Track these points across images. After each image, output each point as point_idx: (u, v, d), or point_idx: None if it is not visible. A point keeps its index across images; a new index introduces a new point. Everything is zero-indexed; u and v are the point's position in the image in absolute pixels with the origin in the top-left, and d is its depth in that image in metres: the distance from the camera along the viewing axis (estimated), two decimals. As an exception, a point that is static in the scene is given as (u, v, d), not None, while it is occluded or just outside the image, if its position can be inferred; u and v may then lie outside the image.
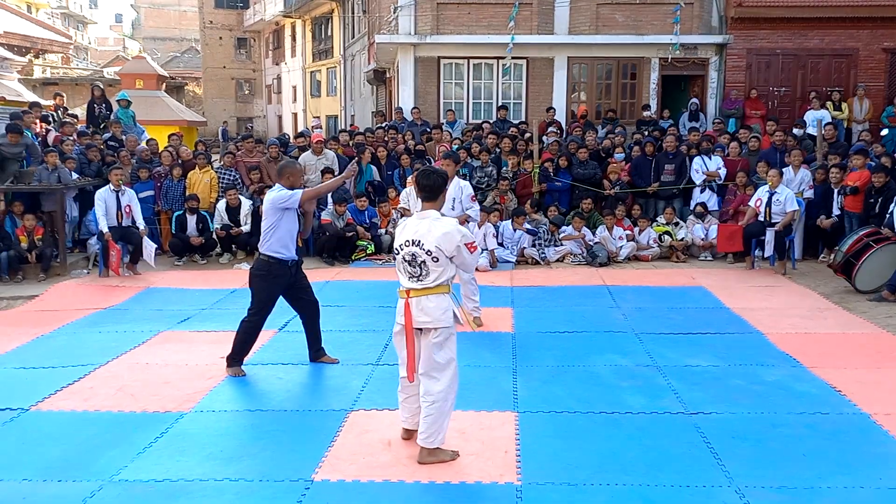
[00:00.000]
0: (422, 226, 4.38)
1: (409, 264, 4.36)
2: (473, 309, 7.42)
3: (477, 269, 10.07)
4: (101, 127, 13.60)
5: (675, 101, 15.94)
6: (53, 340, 7.14)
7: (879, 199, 9.58)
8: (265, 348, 6.64)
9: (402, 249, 4.39)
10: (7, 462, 4.53)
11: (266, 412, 5.31)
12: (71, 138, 12.06)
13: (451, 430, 4.73)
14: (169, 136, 13.44)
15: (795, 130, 13.31)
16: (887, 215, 9.04)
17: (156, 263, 10.15)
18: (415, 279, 4.36)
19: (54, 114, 13.12)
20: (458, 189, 7.33)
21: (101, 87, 14.51)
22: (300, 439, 4.82)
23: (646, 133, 13.07)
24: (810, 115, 13.77)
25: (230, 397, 5.63)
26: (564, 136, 13.83)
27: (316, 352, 6.35)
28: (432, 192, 4.46)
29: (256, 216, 10.94)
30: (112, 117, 13.83)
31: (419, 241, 4.33)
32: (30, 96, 15.02)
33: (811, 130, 12.93)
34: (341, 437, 4.84)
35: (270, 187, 11.08)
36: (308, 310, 6.27)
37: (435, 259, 4.33)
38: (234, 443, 4.82)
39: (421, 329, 4.39)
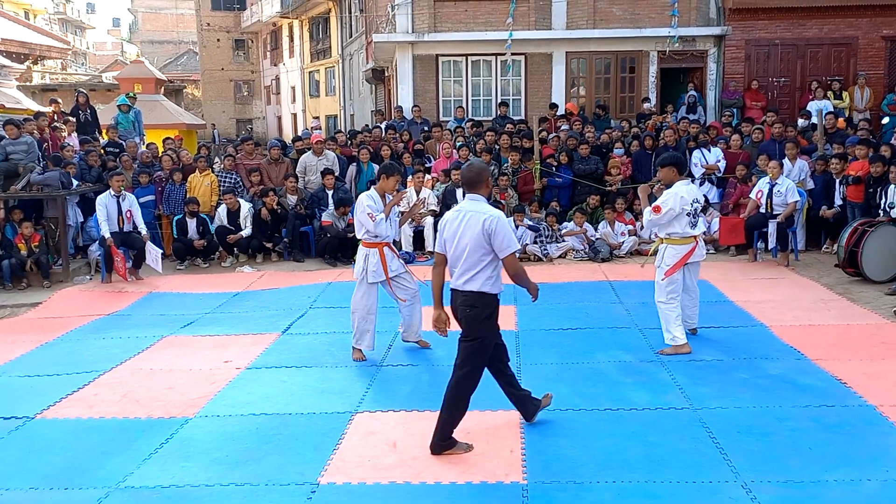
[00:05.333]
0: (690, 187, 6.39)
1: (693, 216, 6.30)
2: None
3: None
4: (93, 132, 13.55)
5: (675, 94, 15.90)
6: (57, 347, 7.15)
7: (878, 189, 9.54)
8: (268, 352, 6.64)
9: (691, 206, 6.26)
10: (14, 470, 4.54)
11: (270, 416, 5.30)
12: (70, 144, 12.05)
13: (457, 431, 4.73)
14: (164, 140, 13.39)
15: (800, 121, 13.25)
16: (885, 203, 9.00)
17: (160, 268, 10.14)
18: (694, 227, 6.35)
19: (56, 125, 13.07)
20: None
21: (86, 93, 14.42)
22: (305, 442, 4.82)
23: (642, 129, 13.03)
24: (814, 105, 13.72)
25: (234, 402, 5.61)
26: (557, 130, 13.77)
27: None
28: (683, 166, 6.65)
29: (257, 219, 10.95)
30: (111, 121, 13.82)
31: (699, 199, 6.45)
32: (29, 103, 14.97)
33: (816, 121, 12.89)
34: (346, 439, 4.84)
35: (274, 189, 11.25)
36: None
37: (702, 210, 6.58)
38: (240, 447, 4.82)
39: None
